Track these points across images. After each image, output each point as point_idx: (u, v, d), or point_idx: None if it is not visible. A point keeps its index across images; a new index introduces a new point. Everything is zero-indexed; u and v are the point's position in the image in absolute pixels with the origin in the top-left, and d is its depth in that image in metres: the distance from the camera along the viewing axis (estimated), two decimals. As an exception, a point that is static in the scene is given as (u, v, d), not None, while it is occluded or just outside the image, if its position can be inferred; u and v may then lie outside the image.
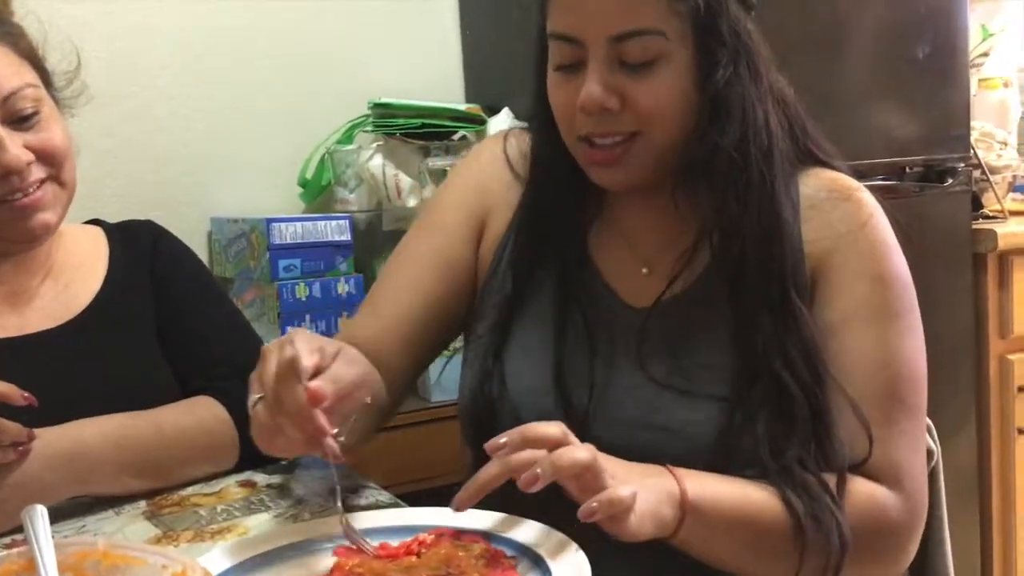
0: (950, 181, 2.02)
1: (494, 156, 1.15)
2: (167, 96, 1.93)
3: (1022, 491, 2.16)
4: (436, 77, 2.15)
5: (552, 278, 1.06)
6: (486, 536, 0.85)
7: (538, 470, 0.77)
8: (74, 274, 1.24)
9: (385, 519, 0.91)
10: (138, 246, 1.28)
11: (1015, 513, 2.16)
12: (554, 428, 0.82)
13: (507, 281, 1.07)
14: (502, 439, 0.81)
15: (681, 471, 0.89)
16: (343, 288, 1.78)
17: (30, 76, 1.15)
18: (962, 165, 2.04)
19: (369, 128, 1.96)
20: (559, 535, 0.82)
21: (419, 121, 1.91)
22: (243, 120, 2.00)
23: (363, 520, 0.89)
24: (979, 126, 2.26)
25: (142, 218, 1.36)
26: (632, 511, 0.80)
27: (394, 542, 0.85)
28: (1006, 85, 2.46)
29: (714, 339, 0.98)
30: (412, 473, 1.58)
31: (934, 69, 1.97)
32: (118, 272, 1.25)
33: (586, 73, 0.94)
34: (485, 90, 2.12)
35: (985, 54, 2.51)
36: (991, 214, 2.18)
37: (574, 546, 0.80)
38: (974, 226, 2.09)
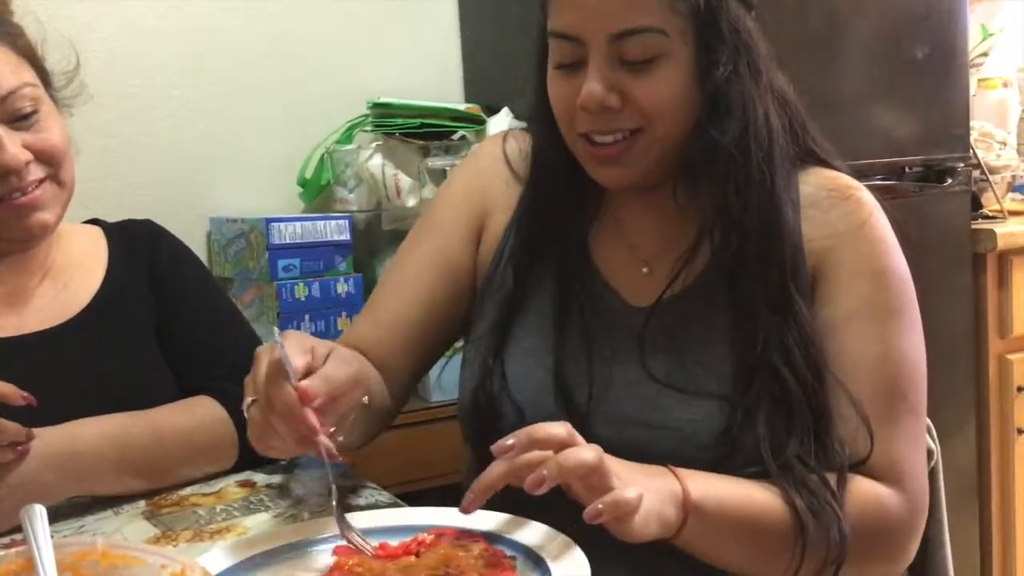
0: (949, 181, 2.02)
1: (493, 157, 1.15)
2: (167, 96, 1.93)
3: (1022, 491, 2.16)
4: (435, 77, 2.15)
5: (552, 277, 1.06)
6: (486, 536, 0.84)
7: (544, 471, 0.77)
8: (73, 274, 1.23)
9: (384, 519, 0.91)
10: (137, 246, 1.28)
11: (1015, 513, 2.16)
12: (560, 429, 0.81)
13: (507, 281, 1.07)
14: (509, 440, 0.80)
15: (683, 472, 0.89)
16: (342, 288, 1.78)
17: (29, 75, 1.15)
18: (961, 165, 2.04)
19: (368, 128, 1.95)
20: (560, 536, 0.82)
21: (418, 121, 1.91)
22: (242, 120, 1.99)
23: (362, 520, 0.89)
24: (978, 126, 2.26)
25: (141, 218, 1.35)
26: (637, 512, 0.80)
27: (393, 542, 0.85)
28: (1005, 85, 2.46)
29: (714, 338, 0.98)
30: (411, 473, 1.58)
31: (934, 69, 1.97)
32: (117, 272, 1.25)
33: (586, 71, 0.94)
34: (484, 90, 2.12)
35: (984, 54, 2.51)
36: (990, 214, 2.18)
37: (574, 547, 0.79)
38: (973, 226, 2.09)
